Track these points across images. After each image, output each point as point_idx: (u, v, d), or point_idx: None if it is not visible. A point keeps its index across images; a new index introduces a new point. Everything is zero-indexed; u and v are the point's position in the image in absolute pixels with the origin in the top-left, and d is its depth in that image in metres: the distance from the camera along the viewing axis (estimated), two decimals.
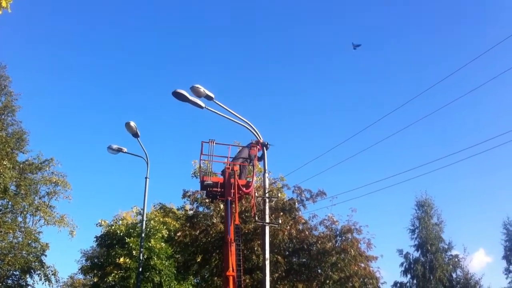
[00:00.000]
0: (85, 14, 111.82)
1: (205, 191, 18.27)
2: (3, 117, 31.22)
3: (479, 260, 77.91)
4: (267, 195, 17.71)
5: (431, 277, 41.76)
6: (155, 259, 29.43)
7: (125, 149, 23.60)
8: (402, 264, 43.90)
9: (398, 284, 43.61)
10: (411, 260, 43.50)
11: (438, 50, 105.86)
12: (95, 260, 36.07)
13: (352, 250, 21.66)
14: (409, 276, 43.49)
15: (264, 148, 17.84)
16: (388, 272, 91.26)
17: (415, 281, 42.87)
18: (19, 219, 31.62)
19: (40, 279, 31.42)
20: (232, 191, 16.20)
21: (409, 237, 44.31)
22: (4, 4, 9.19)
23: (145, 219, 23.94)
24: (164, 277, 29.48)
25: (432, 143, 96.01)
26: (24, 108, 34.58)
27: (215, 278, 23.20)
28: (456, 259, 42.67)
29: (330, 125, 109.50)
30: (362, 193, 49.22)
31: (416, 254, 43.66)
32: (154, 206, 35.46)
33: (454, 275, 42.74)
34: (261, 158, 18.08)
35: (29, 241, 31.02)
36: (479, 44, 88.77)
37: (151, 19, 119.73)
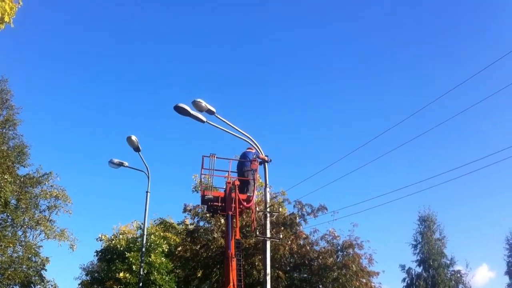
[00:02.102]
0: (85, 31, 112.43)
1: (206, 206, 18.24)
2: (4, 130, 31.29)
3: (482, 276, 77.44)
4: (268, 209, 17.66)
5: None
6: (155, 274, 29.29)
7: (126, 163, 23.62)
8: (404, 280, 43.71)
9: None
10: (413, 276, 43.32)
11: (441, 66, 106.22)
12: (96, 275, 35.91)
13: (353, 266, 21.53)
14: None
15: (265, 163, 17.82)
16: (390, 287, 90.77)
17: None
18: (20, 233, 31.60)
19: None
20: (233, 205, 16.15)
21: (411, 252, 44.17)
22: (7, 19, 9.22)
23: (145, 233, 23.86)
24: None
25: (435, 158, 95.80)
26: (25, 121, 34.65)
27: None
28: (459, 275, 42.48)
29: (331, 140, 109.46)
30: (363, 208, 49.02)
31: (418, 270, 43.50)
32: (154, 221, 35.38)
33: None
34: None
35: (29, 255, 30.93)
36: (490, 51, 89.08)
37: (153, 35, 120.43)
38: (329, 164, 22.89)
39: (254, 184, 17.55)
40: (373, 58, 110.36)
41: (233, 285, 14.99)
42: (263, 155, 17.81)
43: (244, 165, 17.58)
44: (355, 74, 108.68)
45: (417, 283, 42.56)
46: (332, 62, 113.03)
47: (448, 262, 43.30)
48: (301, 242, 22.59)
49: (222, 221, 22.17)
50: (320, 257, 21.99)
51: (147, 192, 23.36)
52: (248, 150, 17.84)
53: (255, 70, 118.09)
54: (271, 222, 17.94)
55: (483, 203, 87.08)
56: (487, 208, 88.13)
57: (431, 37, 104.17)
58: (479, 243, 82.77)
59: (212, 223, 23.92)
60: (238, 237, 16.32)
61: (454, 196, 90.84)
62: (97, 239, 33.37)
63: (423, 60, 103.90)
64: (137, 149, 22.61)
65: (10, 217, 30.60)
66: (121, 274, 29.03)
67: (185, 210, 25.05)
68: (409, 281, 43.40)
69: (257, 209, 18.65)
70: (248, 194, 17.22)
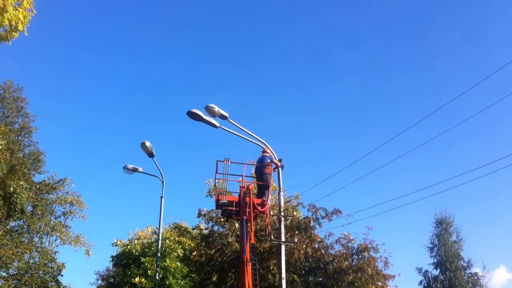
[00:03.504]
0: (99, 39, 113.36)
1: (220, 210, 18.25)
2: (20, 138, 31.64)
3: (500, 277, 76.42)
4: (282, 213, 17.62)
5: None
6: (171, 278, 29.37)
7: (140, 169, 23.69)
8: (421, 283, 43.34)
9: None
10: (430, 278, 42.95)
11: (451, 71, 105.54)
12: (111, 280, 36.08)
13: (369, 269, 21.39)
14: None
15: (280, 168, 17.80)
16: None
17: None
18: (36, 239, 31.95)
19: None
20: (248, 210, 16.15)
21: (427, 255, 43.78)
22: (20, 27, 9.31)
23: (160, 238, 23.91)
24: None
25: (450, 160, 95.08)
26: (40, 129, 35.03)
27: None
28: (476, 277, 42.05)
29: (344, 143, 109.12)
30: (378, 211, 48.84)
31: (435, 272, 43.11)
32: (169, 226, 35.49)
33: None
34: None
35: (46, 261, 31.23)
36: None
37: (166, 39, 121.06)
38: (343, 167, 22.88)
39: (269, 188, 17.53)
40: (389, 60, 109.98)
41: None
42: (277, 159, 17.80)
43: (262, 169, 17.59)
44: (370, 76, 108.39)
45: (434, 286, 42.19)
46: (347, 64, 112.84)
47: (465, 264, 42.86)
48: (316, 246, 22.49)
49: (237, 225, 22.17)
50: (335, 261, 21.88)
51: (161, 197, 23.43)
52: (263, 154, 17.83)
53: (268, 73, 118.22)
54: (285, 226, 17.89)
55: (501, 204, 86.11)
56: (505, 209, 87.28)
57: (442, 37, 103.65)
58: (497, 245, 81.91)
59: (227, 227, 23.93)
60: (253, 241, 16.28)
61: (471, 197, 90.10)
62: (112, 244, 33.58)
63: (435, 60, 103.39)
64: (151, 154, 22.68)
65: (26, 223, 30.93)
66: (137, 279, 29.15)
67: (199, 215, 25.09)
68: (426, 284, 43.03)
69: (271, 213, 18.61)
70: (263, 199, 17.22)
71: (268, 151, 17.84)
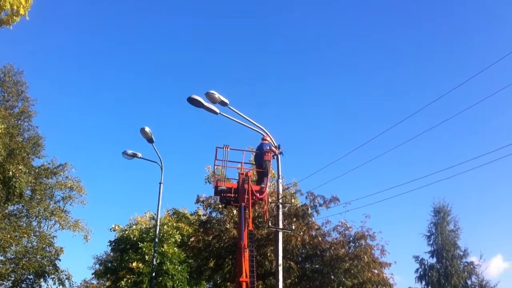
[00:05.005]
0: (99, 23, 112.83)
1: (218, 197, 18.33)
2: (19, 122, 31.58)
3: (496, 266, 77.05)
4: (280, 200, 17.69)
5: (446, 284, 41.43)
6: (168, 264, 29.56)
7: (139, 155, 23.72)
8: (417, 270, 43.61)
9: None
10: (426, 267, 43.22)
11: (449, 58, 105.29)
12: (109, 265, 36.28)
13: (365, 257, 21.51)
14: (423, 282, 43.17)
15: (279, 155, 17.82)
16: (403, 278, 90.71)
17: None
18: (34, 223, 31.95)
19: (54, 283, 31.73)
20: (246, 196, 16.22)
21: (425, 244, 44.01)
22: (22, 11, 9.28)
23: (158, 223, 24.00)
24: (177, 282, 29.60)
25: (448, 149, 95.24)
26: (41, 113, 34.92)
27: (228, 283, 23.19)
28: (472, 266, 42.31)
29: (343, 131, 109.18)
30: (376, 200, 48.88)
31: (432, 261, 43.36)
32: (168, 211, 35.58)
33: (469, 282, 42.36)
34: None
35: (44, 246, 31.28)
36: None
37: (167, 26, 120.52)
38: (342, 156, 22.95)
39: (268, 175, 17.59)
40: (389, 49, 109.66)
41: (246, 275, 15.09)
42: (276, 146, 17.81)
43: (261, 157, 17.63)
44: (369, 66, 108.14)
45: (429, 274, 42.45)
46: (347, 53, 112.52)
47: (462, 253, 43.10)
48: (313, 233, 22.59)
49: (235, 212, 22.25)
50: (332, 248, 21.99)
51: (160, 183, 23.49)
52: (263, 142, 17.85)
53: (268, 60, 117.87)
54: (283, 213, 17.97)
55: (498, 194, 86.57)
56: (502, 198, 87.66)
57: (442, 28, 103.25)
58: (494, 234, 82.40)
59: (225, 214, 24.01)
60: (250, 228, 16.39)
61: (469, 186, 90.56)
62: (110, 229, 33.75)
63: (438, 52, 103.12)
64: (150, 140, 22.70)
65: (25, 207, 30.94)
66: (134, 264, 29.34)
67: (197, 201, 25.15)
68: (422, 272, 43.28)
69: (270, 200, 18.68)
70: (262, 186, 17.29)
71: (268, 138, 17.86)
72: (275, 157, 17.82)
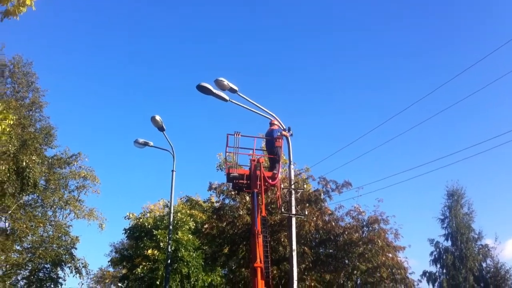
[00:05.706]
0: (109, 13, 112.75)
1: (231, 183, 18.32)
2: (31, 113, 31.72)
3: None
4: (292, 186, 17.64)
5: (461, 267, 41.36)
6: (183, 250, 29.75)
7: (151, 143, 23.72)
8: (431, 254, 43.58)
9: (427, 274, 43.33)
10: (441, 250, 43.16)
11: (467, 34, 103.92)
12: (124, 252, 36.57)
13: (379, 241, 21.51)
14: (438, 265, 43.18)
15: (289, 137, 17.65)
16: (417, 261, 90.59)
17: (444, 271, 42.54)
18: (49, 213, 32.19)
19: (71, 272, 32.05)
20: (258, 183, 16.19)
21: (439, 227, 43.94)
22: (28, 2, 9.23)
23: (172, 211, 24.08)
24: (192, 268, 29.80)
25: (462, 132, 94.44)
26: (52, 104, 35.08)
27: (243, 269, 23.29)
28: (487, 249, 42.16)
29: (355, 116, 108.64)
30: (389, 184, 48.80)
31: (446, 244, 43.29)
32: (181, 199, 35.72)
33: (484, 265, 42.26)
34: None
35: (60, 235, 31.59)
36: None
37: (175, 16, 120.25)
38: (353, 140, 22.82)
39: (279, 161, 17.53)
40: (399, 35, 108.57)
41: (260, 261, 15.11)
42: (285, 129, 17.63)
43: (273, 143, 17.53)
44: (379, 52, 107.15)
45: (444, 257, 42.43)
46: (357, 40, 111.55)
47: (476, 236, 42.99)
48: (326, 218, 22.59)
49: (247, 198, 22.28)
50: (346, 233, 22.01)
51: (172, 171, 23.52)
52: (272, 127, 17.71)
53: (280, 48, 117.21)
54: (296, 199, 17.94)
55: None
56: None
57: (454, 14, 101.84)
58: (509, 216, 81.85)
59: (238, 200, 24.06)
60: (264, 214, 16.37)
61: (483, 169, 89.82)
62: (125, 217, 33.93)
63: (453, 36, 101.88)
64: (161, 128, 22.69)
65: (40, 197, 31.18)
66: (149, 251, 29.56)
67: (210, 188, 25.22)
68: (436, 255, 43.29)
69: (282, 186, 18.65)
70: (274, 172, 17.24)
71: (276, 122, 17.72)
72: (284, 139, 17.60)
